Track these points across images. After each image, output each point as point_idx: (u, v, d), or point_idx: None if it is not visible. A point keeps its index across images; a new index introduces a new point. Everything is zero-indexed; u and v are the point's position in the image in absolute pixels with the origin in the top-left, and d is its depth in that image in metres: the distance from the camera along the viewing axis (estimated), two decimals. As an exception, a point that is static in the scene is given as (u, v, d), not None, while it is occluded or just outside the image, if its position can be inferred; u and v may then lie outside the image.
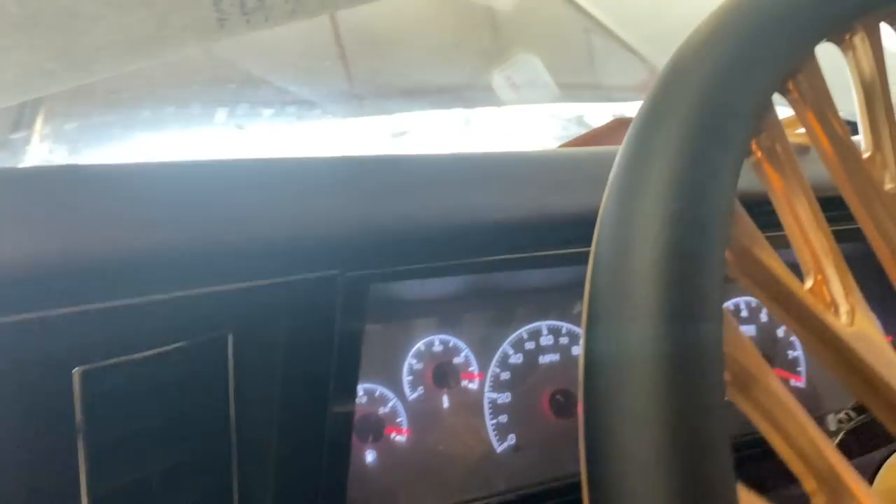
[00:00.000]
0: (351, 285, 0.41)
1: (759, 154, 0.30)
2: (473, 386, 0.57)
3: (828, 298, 0.29)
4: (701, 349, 0.23)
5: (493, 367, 0.58)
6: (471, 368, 0.57)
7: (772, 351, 0.67)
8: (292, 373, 0.42)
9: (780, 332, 0.68)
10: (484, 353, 0.58)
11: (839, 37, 0.34)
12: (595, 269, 0.26)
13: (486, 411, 0.57)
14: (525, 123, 1.37)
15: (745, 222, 0.27)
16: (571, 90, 1.32)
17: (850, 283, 0.29)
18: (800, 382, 0.69)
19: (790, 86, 0.32)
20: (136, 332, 0.38)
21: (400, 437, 0.54)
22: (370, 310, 0.48)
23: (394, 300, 0.54)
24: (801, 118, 0.32)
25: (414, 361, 0.55)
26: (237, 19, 0.49)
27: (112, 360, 0.38)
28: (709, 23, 0.31)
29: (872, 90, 0.34)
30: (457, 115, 1.31)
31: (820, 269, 0.29)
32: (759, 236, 0.27)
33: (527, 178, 0.45)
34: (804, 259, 0.30)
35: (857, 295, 0.29)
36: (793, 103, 0.32)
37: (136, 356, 0.38)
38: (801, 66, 0.32)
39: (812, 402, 0.69)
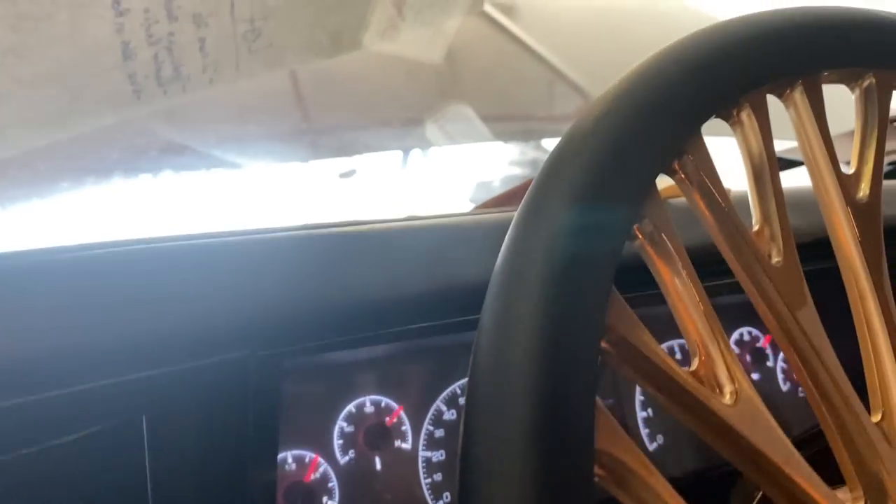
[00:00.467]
0: (263, 365, 0.40)
1: (641, 238, 0.30)
2: (407, 446, 0.57)
3: (712, 379, 0.30)
4: (570, 448, 0.23)
5: (426, 426, 0.58)
6: (403, 428, 0.57)
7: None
8: (210, 453, 0.41)
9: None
10: (417, 411, 0.58)
11: (726, 114, 0.35)
12: (473, 367, 0.26)
13: (421, 470, 0.57)
14: (480, 152, 1.39)
15: (622, 311, 0.28)
16: (513, 130, 1.34)
17: (734, 362, 0.30)
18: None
19: (676, 167, 0.32)
20: (42, 425, 0.37)
21: (332, 503, 0.53)
22: (296, 376, 0.48)
23: (321, 364, 0.53)
24: (687, 197, 0.33)
25: (345, 425, 0.55)
26: (153, 90, 0.49)
27: (17, 452, 0.37)
28: (595, 108, 0.32)
29: (761, 164, 0.35)
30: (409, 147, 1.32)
31: (704, 351, 0.30)
32: (637, 324, 0.28)
33: (438, 247, 0.46)
34: (689, 340, 0.31)
35: (742, 374, 0.30)
36: (679, 183, 0.33)
37: (43, 446, 0.38)
38: (687, 147, 0.33)
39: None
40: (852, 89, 0.40)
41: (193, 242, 0.41)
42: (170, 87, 0.50)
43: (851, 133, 0.63)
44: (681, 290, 0.30)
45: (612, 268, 0.27)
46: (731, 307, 0.62)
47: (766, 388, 0.70)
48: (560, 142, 0.31)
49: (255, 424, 0.41)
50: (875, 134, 0.39)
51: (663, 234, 0.31)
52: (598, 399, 0.25)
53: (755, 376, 0.70)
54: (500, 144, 1.41)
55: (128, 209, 0.75)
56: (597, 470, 0.25)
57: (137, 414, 0.40)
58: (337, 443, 0.54)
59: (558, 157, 0.30)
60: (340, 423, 0.55)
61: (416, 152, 1.32)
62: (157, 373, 0.39)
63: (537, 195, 0.29)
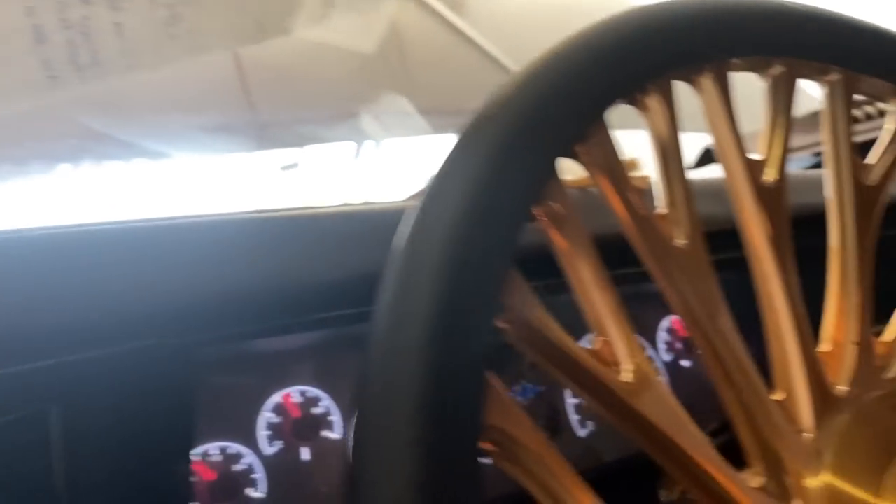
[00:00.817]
0: (175, 353, 0.40)
1: (544, 220, 0.31)
2: (335, 436, 0.56)
3: (611, 358, 0.30)
4: (454, 421, 0.23)
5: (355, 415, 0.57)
6: (331, 418, 0.56)
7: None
8: (122, 444, 0.41)
9: (645, 361, 0.70)
10: (345, 401, 0.57)
11: (633, 99, 0.35)
12: (369, 339, 0.26)
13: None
14: (427, 145, 1.38)
15: (521, 291, 0.28)
16: (461, 124, 1.34)
17: (634, 341, 0.31)
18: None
19: (580, 150, 0.33)
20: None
21: (258, 495, 0.53)
22: (218, 365, 0.47)
23: (246, 354, 0.53)
24: (594, 180, 0.33)
25: (271, 415, 0.54)
26: (70, 76, 0.48)
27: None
28: (499, 92, 0.32)
29: (668, 149, 0.36)
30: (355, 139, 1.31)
31: (604, 330, 0.30)
32: (535, 303, 0.28)
33: (361, 234, 0.45)
34: (591, 320, 0.31)
35: (640, 352, 0.31)
36: (585, 166, 0.33)
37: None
38: (591, 131, 0.33)
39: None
40: (762, 77, 0.41)
41: (100, 227, 0.40)
42: (87, 72, 0.49)
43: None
44: (582, 270, 0.31)
45: (509, 248, 0.27)
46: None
47: (697, 376, 0.71)
48: (466, 123, 0.32)
49: (168, 414, 0.41)
50: (783, 120, 0.40)
51: (565, 217, 0.31)
52: (491, 375, 0.26)
53: (686, 363, 0.71)
54: (448, 137, 1.41)
55: (46, 197, 0.73)
56: (486, 445, 0.25)
57: (46, 403, 0.39)
58: (263, 434, 0.54)
59: (462, 139, 0.30)
60: (266, 414, 0.54)
61: (366, 144, 1.31)
62: (66, 361, 0.38)
63: (439, 175, 0.29)
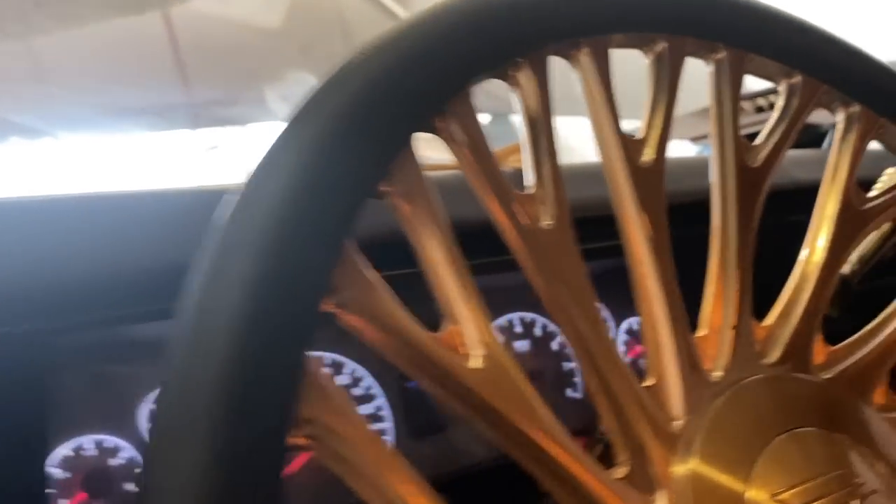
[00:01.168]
0: (28, 341, 0.37)
1: (394, 198, 0.29)
2: (226, 426, 0.54)
3: (459, 344, 0.29)
4: (258, 411, 0.22)
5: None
6: (221, 408, 0.54)
7: (545, 365, 0.68)
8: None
9: (555, 344, 0.69)
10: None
11: (502, 73, 0.34)
12: (178, 318, 0.24)
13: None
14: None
15: (356, 272, 0.26)
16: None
17: (485, 325, 0.29)
18: (576, 394, 0.70)
19: (438, 124, 0.31)
20: None
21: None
22: (99, 353, 0.44)
23: (127, 342, 0.50)
24: (456, 156, 0.32)
25: (155, 406, 0.52)
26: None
27: None
28: (350, 60, 0.30)
29: (537, 126, 0.34)
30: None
31: (453, 315, 0.29)
32: (373, 286, 0.26)
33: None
34: (441, 303, 0.29)
35: (493, 337, 0.29)
36: (446, 142, 0.32)
37: None
38: (452, 106, 0.31)
39: (590, 412, 0.71)
40: (645, 54, 0.40)
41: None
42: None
43: (702, 112, 0.63)
44: (430, 247, 0.29)
45: (342, 225, 0.26)
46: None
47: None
48: (312, 90, 0.29)
49: (18, 409, 0.38)
50: (665, 99, 0.39)
51: (416, 194, 0.29)
52: (315, 363, 0.24)
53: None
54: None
55: None
56: (302, 440, 0.23)
57: None
58: (145, 426, 0.51)
59: (303, 107, 0.28)
60: (149, 405, 0.52)
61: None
62: None
63: (273, 146, 0.27)
